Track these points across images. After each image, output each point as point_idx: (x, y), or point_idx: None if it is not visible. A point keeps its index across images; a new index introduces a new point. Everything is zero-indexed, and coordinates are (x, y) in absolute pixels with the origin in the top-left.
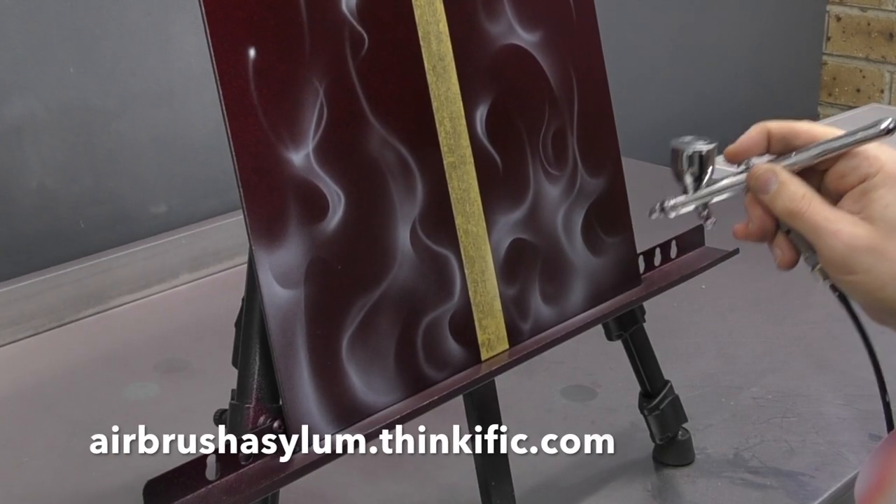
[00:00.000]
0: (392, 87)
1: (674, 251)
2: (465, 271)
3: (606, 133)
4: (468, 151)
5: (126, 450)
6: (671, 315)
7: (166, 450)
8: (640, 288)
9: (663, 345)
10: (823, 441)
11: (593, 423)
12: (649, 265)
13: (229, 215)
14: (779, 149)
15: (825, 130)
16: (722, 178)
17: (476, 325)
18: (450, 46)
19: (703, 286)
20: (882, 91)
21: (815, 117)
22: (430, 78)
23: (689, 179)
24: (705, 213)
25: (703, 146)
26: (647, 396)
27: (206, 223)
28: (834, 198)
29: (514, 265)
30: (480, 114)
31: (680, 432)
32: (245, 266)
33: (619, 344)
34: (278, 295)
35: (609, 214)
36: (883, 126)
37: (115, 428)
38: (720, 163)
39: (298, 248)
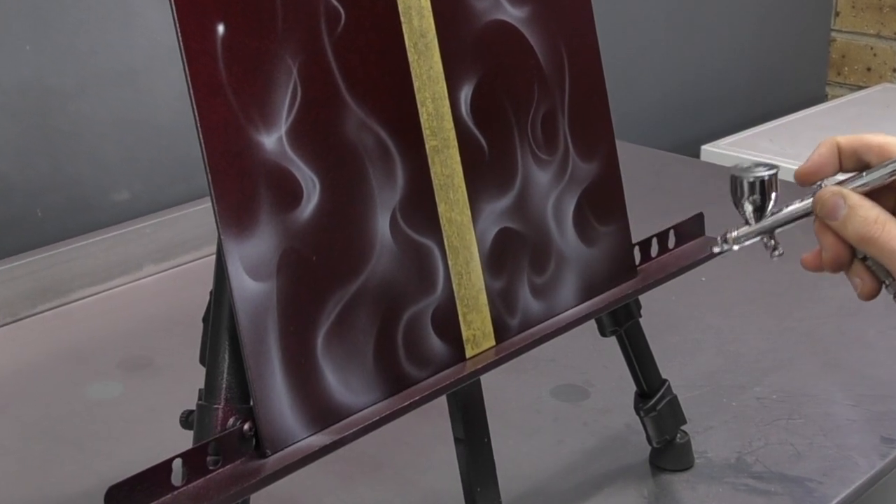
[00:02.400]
0: (370, 65)
1: (672, 241)
2: (449, 263)
3: (600, 114)
4: (452, 134)
5: (87, 453)
6: (669, 309)
7: (130, 453)
8: (636, 280)
9: (661, 341)
10: (832, 444)
11: (585, 424)
12: (646, 256)
13: (197, 203)
14: (851, 165)
15: None
16: (787, 206)
17: (460, 320)
18: (432, 22)
19: (704, 278)
20: (894, 70)
21: (821, 98)
22: (411, 56)
23: (750, 209)
24: (771, 243)
25: (763, 172)
26: (643, 396)
27: (172, 211)
28: None
29: (500, 256)
30: (465, 94)
31: (678, 435)
32: (213, 257)
33: (613, 340)
34: (249, 288)
35: (603, 202)
36: None
37: (76, 430)
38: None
39: (270, 237)
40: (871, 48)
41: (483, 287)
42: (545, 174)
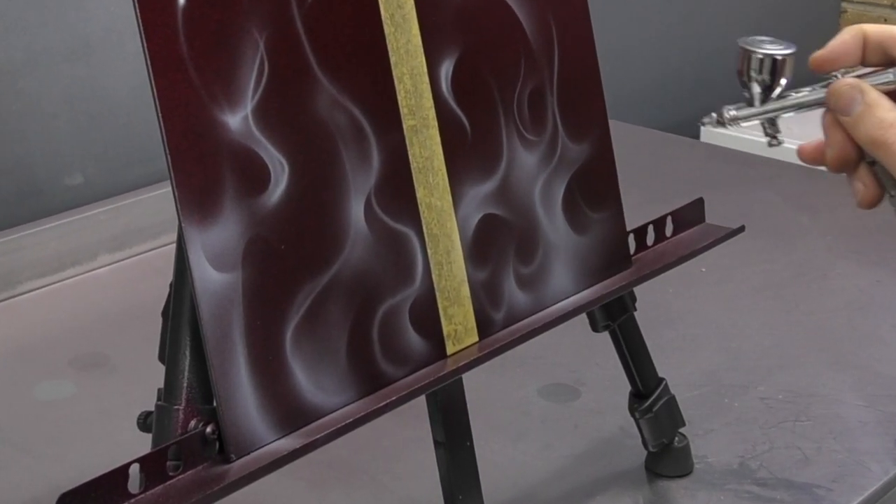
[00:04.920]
0: (343, 39)
1: (669, 228)
2: (428, 252)
3: (591, 92)
4: (431, 113)
5: (36, 458)
6: (666, 302)
7: (83, 458)
8: (631, 271)
9: (657, 337)
10: (842, 448)
11: (576, 427)
12: (641, 244)
13: (155, 187)
14: (875, 60)
15: None
16: (796, 92)
17: (440, 314)
18: None
19: (704, 269)
20: None
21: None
22: (387, 29)
23: (756, 88)
24: (771, 130)
25: (777, 50)
26: (638, 397)
27: (129, 196)
28: None
29: (484, 245)
30: (446, 70)
31: (676, 438)
32: (174, 246)
33: (605, 336)
34: (212, 279)
35: (594, 186)
36: None
37: (24, 433)
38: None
39: (235, 225)
40: (885, 20)
41: (465, 278)
42: (532, 156)
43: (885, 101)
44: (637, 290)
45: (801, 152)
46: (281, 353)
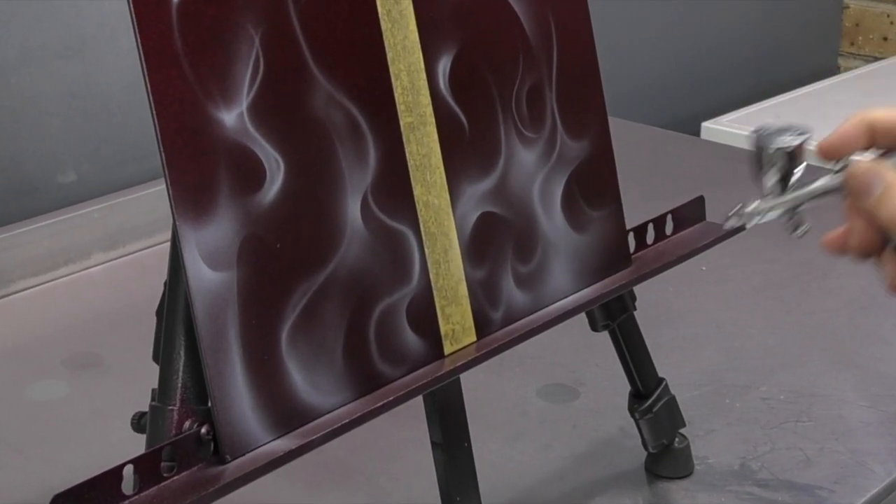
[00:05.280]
0: (340, 35)
1: (669, 227)
2: (426, 250)
3: (591, 89)
4: (429, 110)
5: (29, 459)
6: (666, 302)
7: (76, 459)
8: (631, 270)
9: (657, 336)
10: (845, 449)
11: (575, 427)
12: (641, 243)
13: (149, 185)
14: (887, 143)
15: None
16: (815, 179)
17: (438, 313)
18: None
19: (704, 268)
20: None
21: (833, 70)
22: (384, 25)
23: (772, 180)
24: (795, 219)
25: (791, 139)
26: (638, 397)
27: (123, 194)
28: None
29: (482, 243)
30: (443, 66)
31: (677, 439)
32: (168, 245)
33: (605, 335)
34: (207, 278)
35: (594, 184)
36: None
37: (16, 434)
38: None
39: (230, 223)
40: (888, 16)
41: (463, 277)
42: (531, 154)
43: None
44: (637, 289)
45: (825, 243)
46: (276, 353)
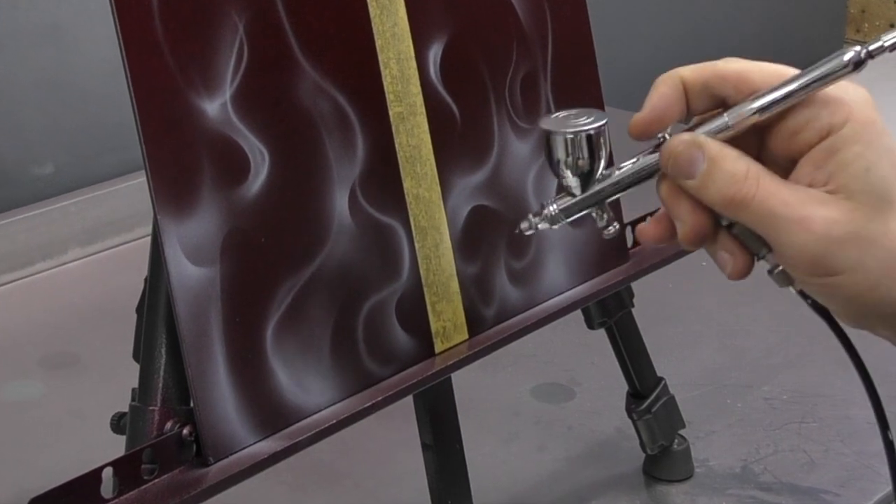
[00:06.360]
0: (327, 22)
1: None
2: (416, 245)
3: (587, 78)
4: (419, 100)
5: (4, 462)
6: (665, 298)
7: (53, 461)
8: (628, 265)
9: (656, 334)
10: (850, 451)
11: (570, 429)
12: None
13: (129, 177)
14: (702, 105)
15: (763, 70)
16: (623, 165)
17: (428, 310)
18: None
19: (704, 263)
20: None
21: None
22: (372, 11)
23: (573, 173)
24: (604, 217)
25: (588, 122)
26: (635, 397)
27: (102, 186)
28: (784, 165)
29: (474, 238)
30: (434, 54)
31: (676, 441)
32: (148, 239)
33: (601, 333)
34: (189, 274)
35: None
36: (847, 58)
37: None
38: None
39: (213, 217)
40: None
41: (454, 273)
42: (525, 145)
43: (729, 151)
44: (635, 285)
45: (639, 234)
46: (261, 352)
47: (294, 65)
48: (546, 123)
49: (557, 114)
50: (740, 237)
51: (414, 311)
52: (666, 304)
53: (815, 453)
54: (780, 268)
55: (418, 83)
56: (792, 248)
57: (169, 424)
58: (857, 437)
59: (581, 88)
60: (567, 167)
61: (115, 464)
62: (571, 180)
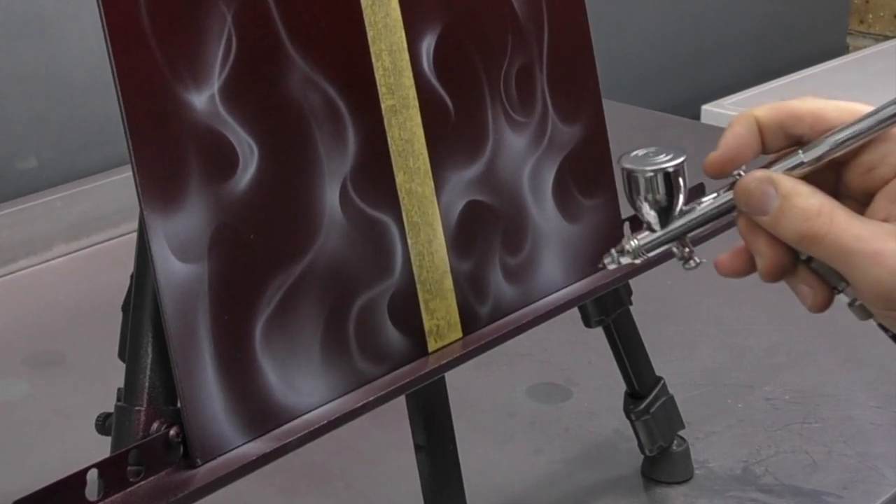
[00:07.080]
0: (317, 12)
1: None
2: (408, 241)
3: (584, 70)
4: (412, 92)
5: None
6: (664, 295)
7: (37, 462)
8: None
9: (655, 333)
10: (853, 452)
11: (567, 430)
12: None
13: (115, 172)
14: (778, 143)
15: (838, 108)
16: (702, 200)
17: (421, 308)
18: None
19: (705, 259)
20: None
21: (842, 50)
22: (364, 2)
23: (652, 210)
24: (685, 251)
25: (666, 161)
26: (634, 397)
27: (87, 181)
28: (861, 200)
29: (468, 234)
30: (427, 46)
31: (675, 442)
32: (135, 235)
33: (599, 332)
34: (176, 271)
35: (587, 170)
36: None
37: None
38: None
39: (201, 212)
40: None
41: (448, 270)
42: (520, 138)
43: (802, 188)
44: (633, 282)
45: (718, 267)
46: (250, 350)
47: (283, 56)
48: (626, 162)
49: (637, 151)
50: (819, 271)
51: (407, 309)
52: (665, 301)
53: (817, 455)
54: (859, 301)
55: (411, 75)
56: (866, 283)
57: (155, 425)
58: (860, 438)
59: (578, 81)
60: (647, 203)
61: (100, 465)
62: (651, 216)
